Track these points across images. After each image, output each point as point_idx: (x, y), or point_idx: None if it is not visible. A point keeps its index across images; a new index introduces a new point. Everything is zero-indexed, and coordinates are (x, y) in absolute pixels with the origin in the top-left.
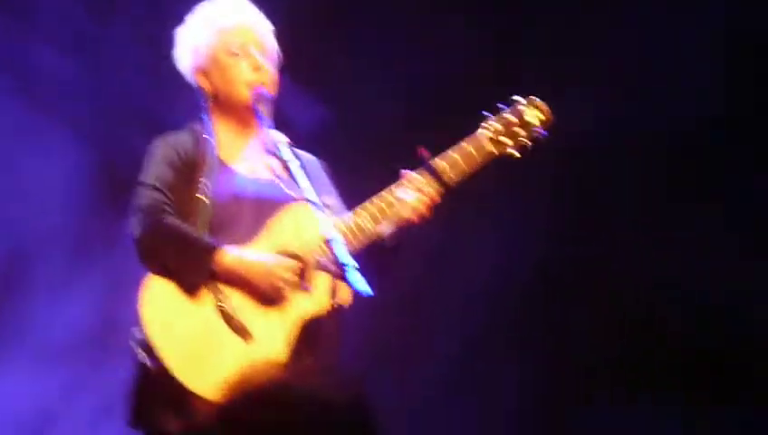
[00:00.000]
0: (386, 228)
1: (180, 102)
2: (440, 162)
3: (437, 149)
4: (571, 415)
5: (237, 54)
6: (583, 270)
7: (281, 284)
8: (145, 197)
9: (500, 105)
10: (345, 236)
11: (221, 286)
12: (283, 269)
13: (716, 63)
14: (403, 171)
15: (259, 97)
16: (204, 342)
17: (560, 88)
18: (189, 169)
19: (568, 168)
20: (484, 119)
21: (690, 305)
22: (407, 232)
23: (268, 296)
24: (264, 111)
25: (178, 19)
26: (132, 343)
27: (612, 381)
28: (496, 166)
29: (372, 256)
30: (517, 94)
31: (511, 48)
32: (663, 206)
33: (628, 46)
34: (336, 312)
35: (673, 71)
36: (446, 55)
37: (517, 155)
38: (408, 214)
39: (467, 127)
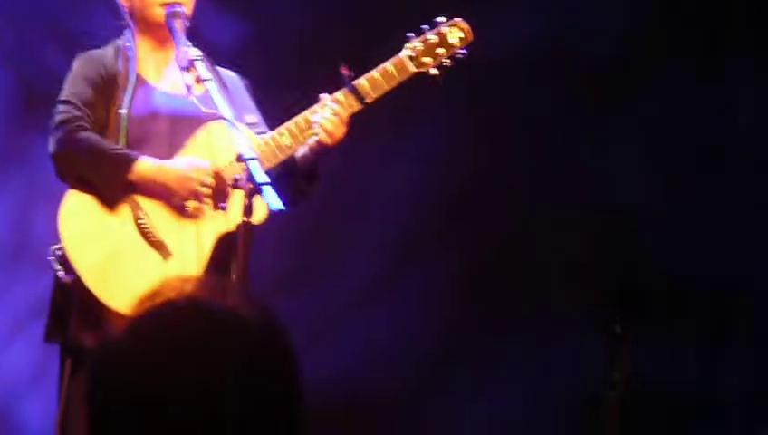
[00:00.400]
0: (301, 150)
1: (100, 17)
2: (362, 82)
3: (357, 70)
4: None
5: None
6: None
7: (197, 187)
8: (61, 113)
9: (423, 26)
10: (261, 153)
11: (140, 201)
12: (200, 173)
13: None
14: (321, 95)
15: (175, 14)
16: (121, 256)
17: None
18: (109, 84)
19: (488, 85)
20: (407, 39)
21: (605, 218)
22: (320, 156)
23: (186, 200)
24: (180, 28)
25: None
26: (51, 258)
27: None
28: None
29: (287, 177)
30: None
31: None
32: (585, 122)
33: None
34: (249, 229)
35: None
36: None
37: (437, 74)
38: (323, 137)
39: (389, 48)
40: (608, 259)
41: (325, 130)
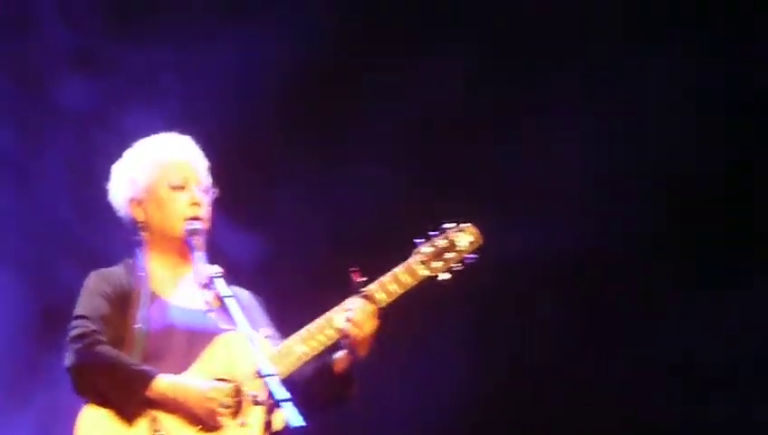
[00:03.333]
0: (336, 354)
1: (113, 235)
2: (373, 288)
3: (370, 276)
4: None
5: (177, 189)
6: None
7: (217, 408)
8: (77, 327)
9: (430, 233)
10: (280, 364)
11: (158, 416)
12: (220, 394)
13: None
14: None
15: (193, 231)
16: None
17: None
18: (123, 301)
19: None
20: (415, 245)
21: None
22: (355, 362)
23: (204, 422)
24: (199, 244)
25: (107, 152)
26: None
27: None
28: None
29: (321, 383)
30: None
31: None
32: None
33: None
34: None
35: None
36: (374, 189)
37: (448, 278)
38: (354, 332)
39: (396, 258)
40: None
41: (355, 325)
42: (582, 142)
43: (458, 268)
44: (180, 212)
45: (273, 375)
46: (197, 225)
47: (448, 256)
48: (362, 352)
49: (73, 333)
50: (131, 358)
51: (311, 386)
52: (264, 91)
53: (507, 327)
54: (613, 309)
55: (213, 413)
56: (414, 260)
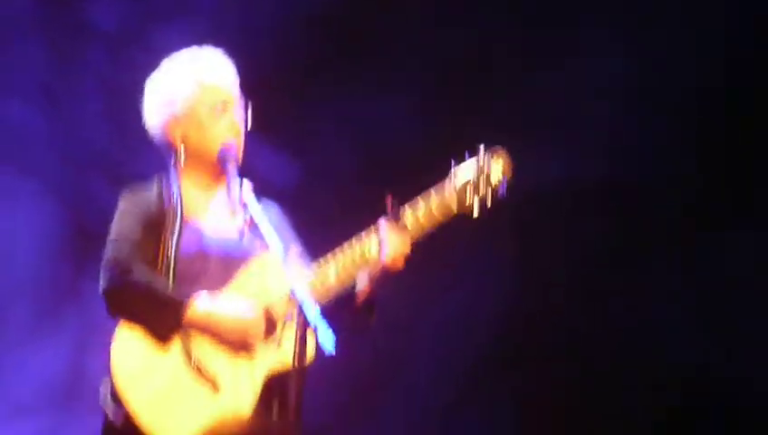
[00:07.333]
0: (359, 281)
1: (146, 154)
2: (406, 214)
3: (403, 203)
4: None
5: (216, 111)
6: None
7: (251, 340)
8: (113, 251)
9: (465, 156)
10: (313, 289)
11: (191, 335)
12: (253, 324)
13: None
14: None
15: (229, 154)
16: (172, 393)
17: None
18: (156, 223)
19: (532, 217)
20: (449, 172)
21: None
22: (380, 287)
23: (237, 345)
24: (233, 167)
25: (141, 70)
26: (102, 394)
27: None
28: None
29: (343, 310)
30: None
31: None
32: (627, 260)
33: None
34: (302, 367)
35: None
36: (405, 113)
37: (477, 208)
38: (376, 269)
39: (428, 183)
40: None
41: (387, 253)
42: (616, 67)
43: (491, 194)
44: (218, 135)
45: (306, 298)
46: (234, 148)
47: (481, 181)
48: (389, 280)
49: (108, 256)
50: (165, 282)
51: (332, 313)
52: (304, 17)
53: (546, 254)
54: (652, 237)
55: (246, 344)
56: (447, 186)
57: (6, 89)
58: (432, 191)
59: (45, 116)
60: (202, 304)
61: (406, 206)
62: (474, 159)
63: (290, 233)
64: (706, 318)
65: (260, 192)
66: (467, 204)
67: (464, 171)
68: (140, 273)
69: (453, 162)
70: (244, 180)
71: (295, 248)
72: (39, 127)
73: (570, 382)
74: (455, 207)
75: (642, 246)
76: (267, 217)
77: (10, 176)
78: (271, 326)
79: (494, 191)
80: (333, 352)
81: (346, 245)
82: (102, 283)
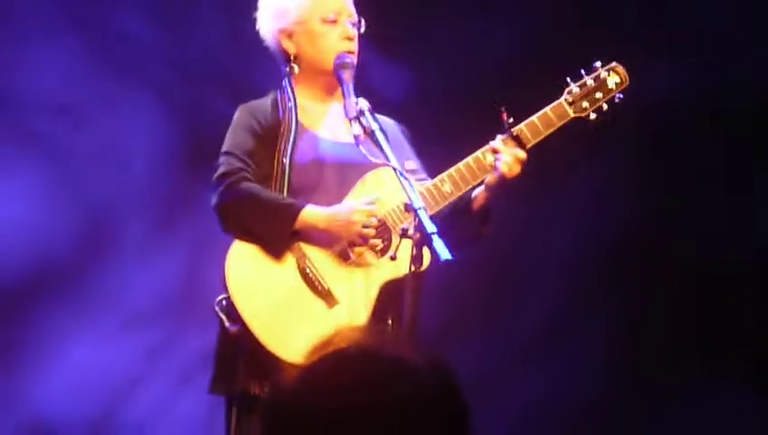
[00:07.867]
0: (476, 190)
1: (264, 66)
2: (522, 128)
3: (519, 116)
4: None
5: (329, 22)
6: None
7: (360, 230)
8: (223, 164)
9: (581, 71)
10: (427, 201)
11: (306, 250)
12: (361, 215)
13: None
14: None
15: (344, 65)
16: (288, 306)
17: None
18: (270, 134)
19: (650, 134)
20: (566, 84)
21: None
22: (494, 199)
23: (350, 244)
24: (349, 78)
25: None
26: (217, 309)
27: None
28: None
29: (458, 220)
30: (598, 61)
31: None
32: (746, 176)
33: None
34: (417, 277)
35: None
36: (526, 26)
37: (594, 118)
38: (493, 179)
39: (545, 99)
40: None
41: (505, 164)
42: None
43: (607, 108)
44: (332, 46)
45: (422, 209)
46: (348, 58)
47: (597, 95)
48: (505, 190)
49: (219, 171)
50: (280, 192)
51: (447, 222)
52: None
53: (663, 166)
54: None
55: (357, 235)
56: (563, 100)
57: (125, 3)
58: (547, 107)
59: (164, 29)
60: (315, 207)
61: (522, 123)
62: (590, 73)
63: (407, 147)
64: None
65: (375, 108)
66: (583, 107)
67: (579, 82)
68: (251, 185)
69: (569, 79)
70: (361, 98)
71: (413, 165)
72: (154, 36)
73: (699, 293)
74: (571, 111)
75: None
76: (385, 133)
77: (130, 90)
78: (387, 238)
79: (611, 98)
80: (450, 259)
81: (462, 162)
82: (214, 197)
